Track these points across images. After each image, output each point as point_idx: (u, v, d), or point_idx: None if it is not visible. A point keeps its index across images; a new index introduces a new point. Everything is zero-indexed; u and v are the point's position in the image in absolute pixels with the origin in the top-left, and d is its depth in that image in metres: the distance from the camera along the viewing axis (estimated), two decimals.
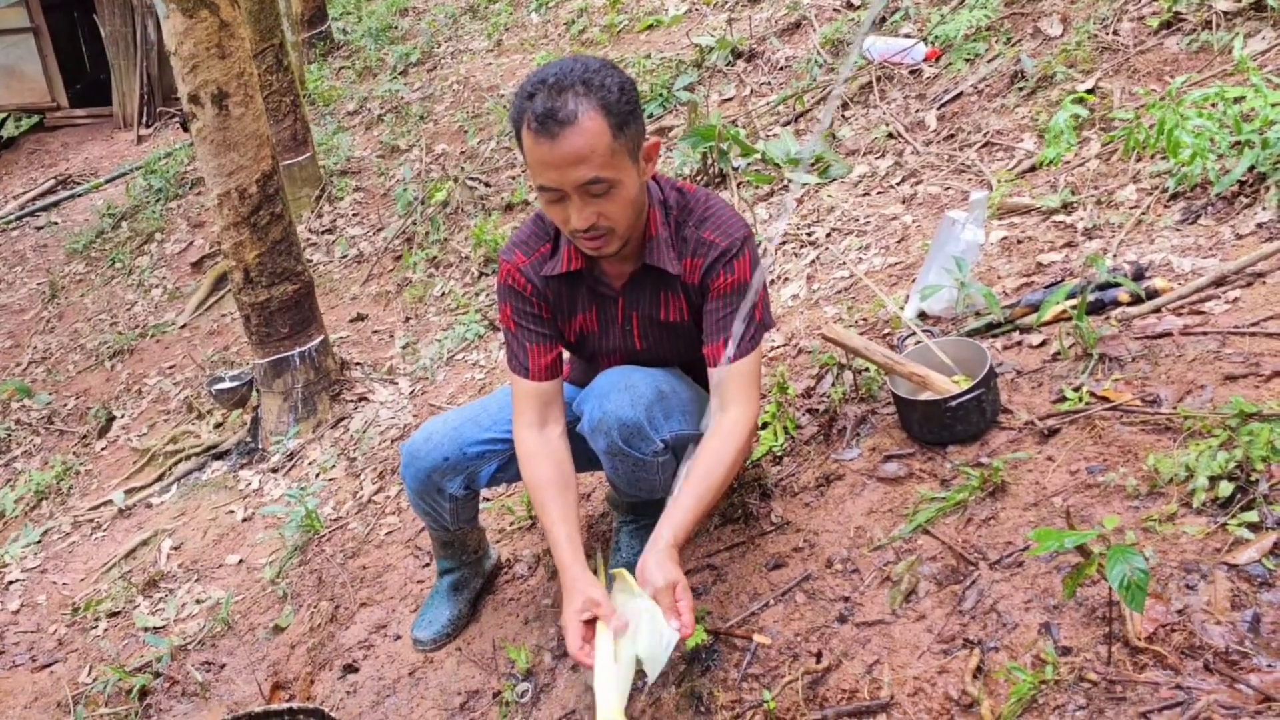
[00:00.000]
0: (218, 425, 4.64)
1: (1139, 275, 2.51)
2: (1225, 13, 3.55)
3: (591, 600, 1.85)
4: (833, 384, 2.62)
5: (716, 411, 1.98)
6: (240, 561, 3.53)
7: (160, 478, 4.42)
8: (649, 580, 1.80)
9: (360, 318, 5.32)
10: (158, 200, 8.07)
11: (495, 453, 2.25)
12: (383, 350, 4.87)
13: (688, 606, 1.79)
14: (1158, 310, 2.39)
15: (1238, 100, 2.94)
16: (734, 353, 1.95)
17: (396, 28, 9.72)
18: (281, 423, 4.23)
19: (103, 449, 5.09)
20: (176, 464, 4.46)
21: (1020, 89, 3.93)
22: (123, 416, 5.35)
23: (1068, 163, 3.34)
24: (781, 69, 5.33)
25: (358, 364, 4.61)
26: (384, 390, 4.36)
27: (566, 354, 2.36)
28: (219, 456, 4.38)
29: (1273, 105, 2.81)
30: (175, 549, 3.76)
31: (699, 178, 4.49)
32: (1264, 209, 2.64)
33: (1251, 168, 2.72)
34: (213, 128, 3.88)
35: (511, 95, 6.85)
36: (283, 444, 4.16)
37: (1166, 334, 2.29)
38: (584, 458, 2.25)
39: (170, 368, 5.68)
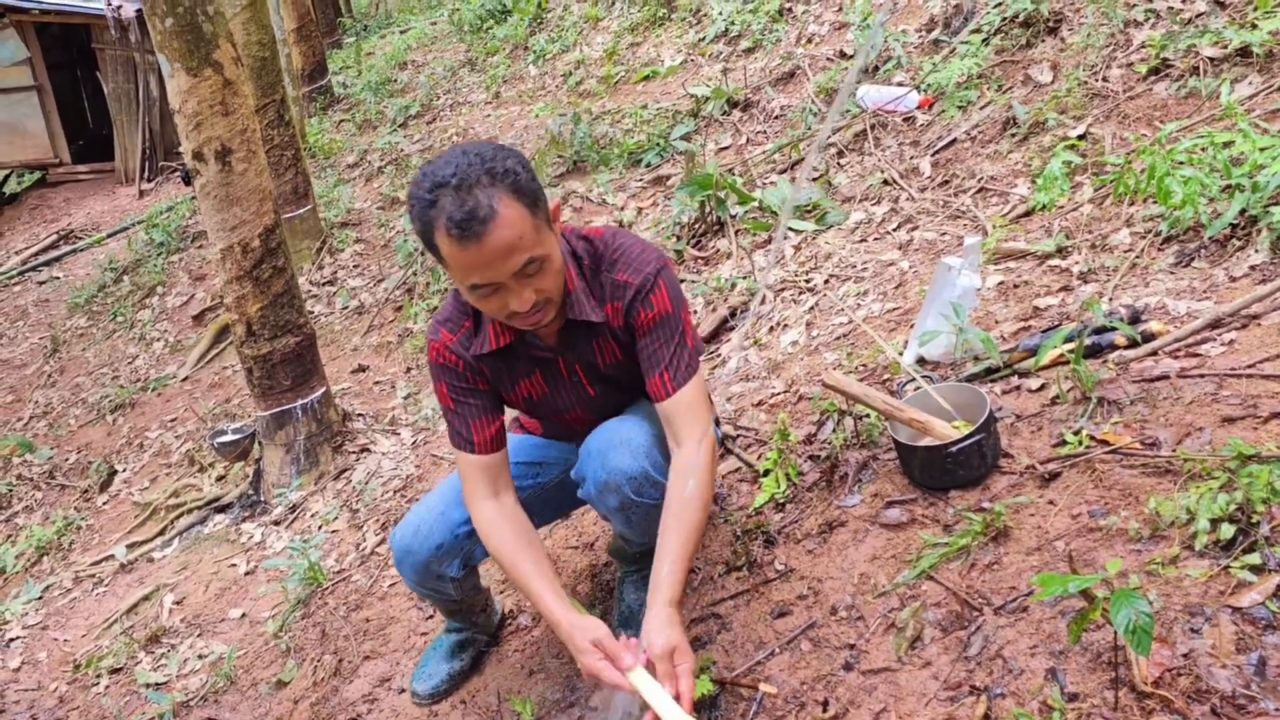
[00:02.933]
0: (220, 478, 4.64)
1: (1135, 319, 2.53)
2: (1212, 59, 3.61)
3: (598, 642, 1.81)
4: (834, 430, 2.63)
5: (673, 447, 1.99)
6: (243, 615, 3.51)
7: (162, 532, 4.42)
8: (650, 646, 1.77)
9: (362, 369, 5.34)
10: (159, 254, 8.13)
11: None
12: (384, 401, 4.88)
13: (687, 671, 1.74)
14: (1154, 353, 2.40)
15: (1227, 145, 2.99)
16: (673, 384, 1.97)
17: (396, 81, 9.86)
18: (284, 475, 4.23)
19: (104, 503, 5.09)
20: (178, 518, 4.46)
21: (1013, 135, 3.99)
22: (124, 470, 5.36)
23: (1061, 207, 3.38)
24: (777, 118, 5.41)
25: (359, 415, 4.63)
26: (386, 441, 4.36)
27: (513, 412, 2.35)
28: (221, 510, 4.38)
29: (1261, 149, 2.85)
30: (177, 604, 3.74)
31: (697, 225, 4.53)
32: (1256, 251, 2.67)
33: (1243, 211, 2.75)
34: (216, 184, 3.92)
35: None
36: (285, 496, 4.15)
37: (1164, 377, 2.31)
38: (552, 509, 2.25)
39: (172, 421, 5.69)
